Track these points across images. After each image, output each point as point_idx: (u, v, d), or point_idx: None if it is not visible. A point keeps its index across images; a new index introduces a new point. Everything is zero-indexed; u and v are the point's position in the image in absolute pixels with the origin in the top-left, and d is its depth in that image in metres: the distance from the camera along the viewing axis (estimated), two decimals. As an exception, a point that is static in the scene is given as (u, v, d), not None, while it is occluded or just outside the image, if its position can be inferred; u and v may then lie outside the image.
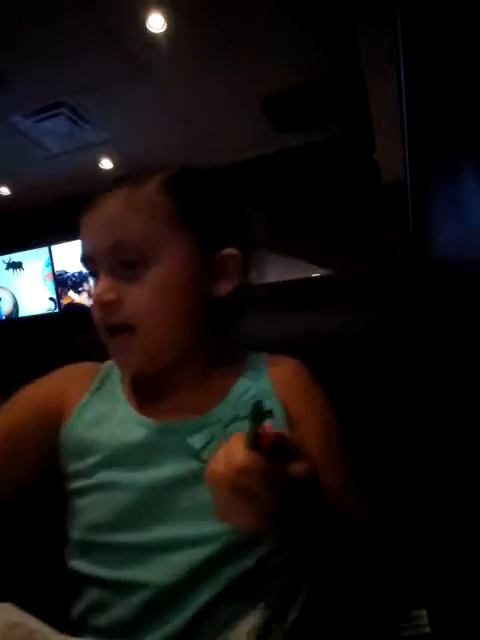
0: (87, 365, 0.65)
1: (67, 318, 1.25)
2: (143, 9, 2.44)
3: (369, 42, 2.32)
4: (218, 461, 0.38)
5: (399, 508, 0.66)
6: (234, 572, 0.47)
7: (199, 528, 0.49)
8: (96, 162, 3.93)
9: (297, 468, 0.37)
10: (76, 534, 0.53)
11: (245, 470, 0.36)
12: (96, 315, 0.53)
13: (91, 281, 0.57)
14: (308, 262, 4.41)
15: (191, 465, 0.51)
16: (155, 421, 0.55)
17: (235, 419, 0.54)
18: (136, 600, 0.47)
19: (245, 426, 0.52)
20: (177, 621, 0.46)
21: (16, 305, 4.39)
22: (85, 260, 0.56)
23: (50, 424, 0.58)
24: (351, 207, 3.64)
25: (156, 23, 2.52)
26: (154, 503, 0.50)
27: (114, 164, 3.97)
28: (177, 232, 0.53)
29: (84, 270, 0.58)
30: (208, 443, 0.52)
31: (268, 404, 0.53)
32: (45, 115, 3.23)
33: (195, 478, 0.49)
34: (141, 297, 0.51)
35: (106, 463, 0.53)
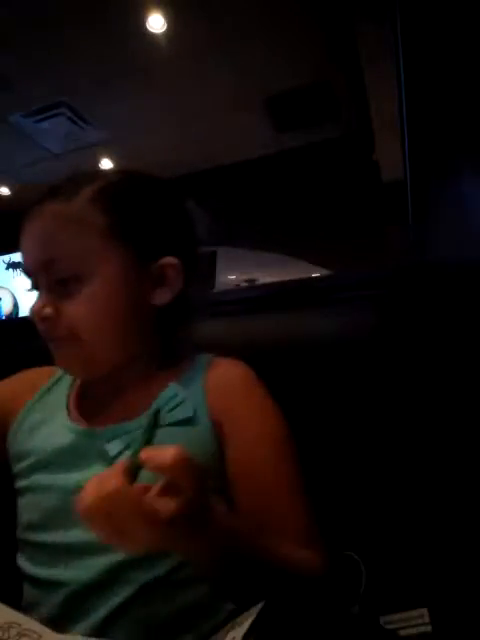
0: (45, 369, 0.66)
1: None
2: (143, 9, 2.44)
3: (369, 42, 2.32)
4: (90, 487, 0.36)
5: (401, 508, 0.66)
6: (146, 577, 0.48)
7: None
8: (96, 162, 3.93)
9: (170, 503, 0.35)
10: (18, 533, 0.56)
11: (111, 497, 0.35)
12: (38, 326, 0.54)
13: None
14: (308, 262, 4.42)
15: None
16: (82, 426, 0.56)
17: (155, 428, 0.53)
18: (59, 597, 0.49)
19: (165, 434, 0.50)
20: (93, 619, 0.47)
21: (16, 305, 4.39)
22: (25, 273, 0.56)
23: (1, 427, 0.61)
24: (351, 207, 3.64)
25: (156, 23, 2.53)
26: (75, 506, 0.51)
27: (114, 164, 3.98)
28: (110, 245, 0.53)
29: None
30: (124, 450, 0.52)
31: (188, 410, 0.53)
32: (45, 115, 3.24)
33: None
34: (76, 312, 0.52)
35: (39, 466, 0.55)
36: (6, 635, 0.37)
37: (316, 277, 3.15)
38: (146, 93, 3.07)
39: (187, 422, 0.54)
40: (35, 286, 0.55)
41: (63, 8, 2.34)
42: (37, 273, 0.53)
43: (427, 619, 0.56)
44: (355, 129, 3.52)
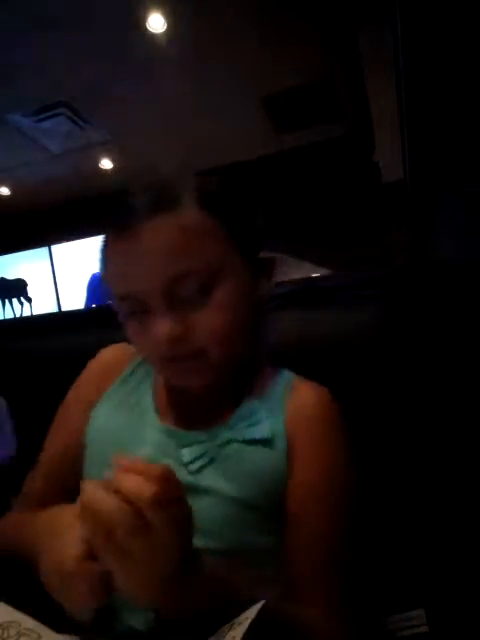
0: (119, 351, 0.66)
1: (67, 318, 1.25)
2: (143, 9, 2.44)
3: (369, 42, 2.32)
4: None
5: (398, 508, 0.66)
6: None
7: None
8: (96, 162, 3.92)
9: (145, 487, 0.34)
10: None
11: (90, 505, 0.34)
12: (156, 349, 0.51)
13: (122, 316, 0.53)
14: (308, 262, 4.41)
15: (181, 475, 0.51)
16: (168, 426, 0.56)
17: (230, 442, 0.53)
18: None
19: (241, 450, 0.52)
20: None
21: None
22: (126, 297, 0.51)
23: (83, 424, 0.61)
24: (351, 207, 3.64)
25: (156, 23, 2.52)
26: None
27: (114, 164, 3.97)
28: (227, 247, 0.52)
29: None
30: (197, 459, 0.52)
31: (266, 431, 0.52)
32: (45, 115, 3.23)
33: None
34: (211, 322, 0.50)
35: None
36: (6, 634, 0.37)
37: (316, 277, 3.15)
38: (146, 93, 3.07)
39: (264, 443, 0.53)
40: (137, 309, 0.51)
41: (63, 8, 2.33)
42: (159, 292, 0.49)
43: (424, 620, 0.56)
44: (355, 129, 3.51)
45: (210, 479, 0.51)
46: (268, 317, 0.59)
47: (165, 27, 2.55)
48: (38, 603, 0.50)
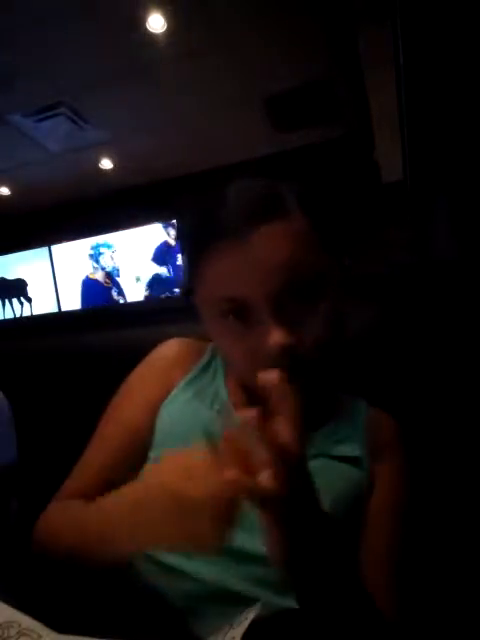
0: (187, 345, 0.65)
1: (67, 318, 1.25)
2: (143, 9, 2.44)
3: (369, 42, 2.32)
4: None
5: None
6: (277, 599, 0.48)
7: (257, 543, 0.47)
8: (96, 162, 3.92)
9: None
10: None
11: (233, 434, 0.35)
12: (261, 358, 0.49)
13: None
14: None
15: None
16: None
17: (317, 456, 0.54)
18: (186, 587, 0.49)
19: (327, 464, 0.53)
20: (216, 613, 0.47)
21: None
22: (228, 304, 0.51)
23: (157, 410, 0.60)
24: (351, 207, 3.64)
25: (156, 23, 2.52)
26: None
27: (114, 164, 3.97)
28: (328, 258, 0.52)
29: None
30: None
31: (356, 449, 0.55)
32: (45, 115, 3.23)
33: None
34: (319, 334, 0.50)
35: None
36: (6, 634, 0.37)
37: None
38: (146, 93, 3.07)
39: (354, 461, 0.55)
40: (234, 316, 0.50)
41: (63, 7, 2.34)
42: (267, 301, 0.48)
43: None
44: (355, 129, 3.51)
45: None
46: (345, 336, 0.59)
47: (165, 27, 2.56)
48: (38, 603, 0.50)
